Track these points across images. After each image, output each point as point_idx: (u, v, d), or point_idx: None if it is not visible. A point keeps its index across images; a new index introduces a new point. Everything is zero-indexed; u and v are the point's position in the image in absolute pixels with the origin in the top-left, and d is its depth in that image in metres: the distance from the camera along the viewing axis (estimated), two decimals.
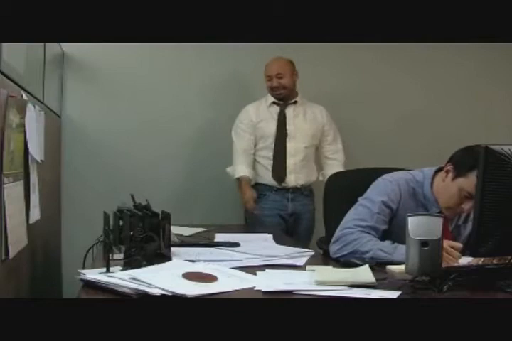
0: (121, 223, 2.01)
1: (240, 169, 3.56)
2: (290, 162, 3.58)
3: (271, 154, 3.58)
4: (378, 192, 2.27)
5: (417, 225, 1.73)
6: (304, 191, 3.63)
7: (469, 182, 2.05)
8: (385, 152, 3.85)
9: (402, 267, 1.80)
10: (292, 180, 3.58)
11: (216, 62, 3.79)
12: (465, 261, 1.97)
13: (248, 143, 3.59)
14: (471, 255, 1.94)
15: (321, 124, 3.65)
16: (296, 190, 3.60)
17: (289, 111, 3.61)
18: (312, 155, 3.68)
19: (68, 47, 3.60)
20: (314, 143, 3.66)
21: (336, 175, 2.86)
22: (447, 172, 2.18)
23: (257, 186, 3.63)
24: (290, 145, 3.58)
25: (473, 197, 1.93)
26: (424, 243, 1.71)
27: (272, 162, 3.58)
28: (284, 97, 3.60)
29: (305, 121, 3.63)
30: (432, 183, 2.25)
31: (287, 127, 3.58)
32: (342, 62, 3.96)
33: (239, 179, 3.57)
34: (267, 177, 3.60)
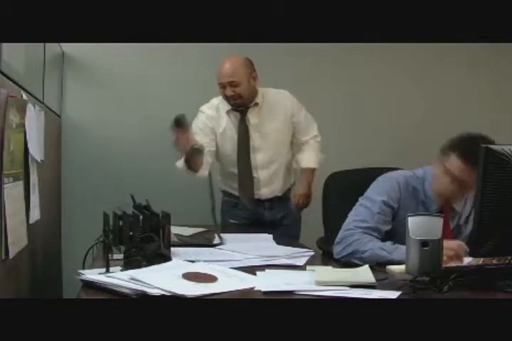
0: (121, 223, 2.01)
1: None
2: (263, 174, 3.13)
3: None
4: (378, 192, 2.27)
5: (417, 225, 1.73)
6: (283, 196, 3.25)
7: (450, 163, 2.11)
8: (385, 152, 3.85)
9: (402, 267, 1.80)
10: (267, 193, 3.17)
11: (217, 62, 3.78)
12: (465, 261, 1.97)
13: (210, 137, 3.07)
14: (471, 255, 1.95)
15: (290, 115, 3.14)
16: (272, 198, 3.21)
17: (252, 116, 3.08)
18: (286, 158, 3.23)
19: (68, 47, 3.59)
20: (286, 143, 3.21)
21: (335, 175, 2.86)
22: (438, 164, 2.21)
23: (230, 195, 3.27)
24: (260, 157, 3.11)
25: (456, 180, 2.09)
26: (424, 243, 1.71)
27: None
28: (242, 105, 3.07)
29: (272, 123, 3.11)
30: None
31: (252, 137, 3.09)
32: (341, 60, 3.95)
33: (185, 159, 2.98)
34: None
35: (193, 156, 2.94)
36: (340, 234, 2.22)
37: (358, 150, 3.89)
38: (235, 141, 3.11)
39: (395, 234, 2.19)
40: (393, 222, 2.24)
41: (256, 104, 3.10)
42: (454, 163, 2.11)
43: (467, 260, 1.97)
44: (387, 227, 2.22)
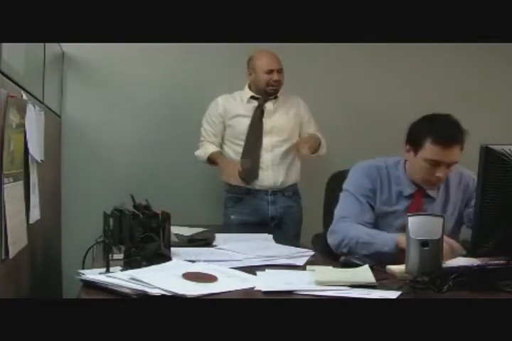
0: (121, 223, 2.01)
1: (210, 147, 3.34)
2: (267, 158, 3.29)
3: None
4: (353, 184, 2.37)
5: (417, 225, 1.73)
6: (286, 192, 3.35)
7: (427, 150, 2.17)
8: (386, 151, 3.83)
9: (402, 267, 1.80)
10: (270, 177, 3.29)
11: (218, 62, 3.78)
12: (466, 261, 1.96)
13: (217, 128, 3.35)
14: (471, 255, 1.94)
15: (300, 117, 3.41)
16: (276, 191, 3.32)
17: (269, 105, 3.33)
18: (294, 152, 3.34)
19: (68, 47, 3.59)
20: (294, 137, 3.35)
21: (337, 174, 2.86)
22: (408, 151, 2.28)
23: (232, 189, 3.36)
24: (266, 140, 3.29)
25: (439, 163, 2.15)
26: (424, 243, 1.71)
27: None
28: (274, 92, 3.34)
29: (287, 116, 3.36)
30: (405, 167, 2.35)
31: (264, 122, 3.31)
32: (342, 62, 3.95)
33: (210, 157, 3.33)
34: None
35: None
36: (331, 227, 2.33)
37: (359, 150, 3.88)
38: (246, 125, 3.31)
39: (376, 223, 2.30)
40: (373, 212, 2.32)
41: (276, 97, 3.36)
42: (431, 150, 2.16)
43: (468, 260, 1.97)
44: (369, 216, 2.30)
